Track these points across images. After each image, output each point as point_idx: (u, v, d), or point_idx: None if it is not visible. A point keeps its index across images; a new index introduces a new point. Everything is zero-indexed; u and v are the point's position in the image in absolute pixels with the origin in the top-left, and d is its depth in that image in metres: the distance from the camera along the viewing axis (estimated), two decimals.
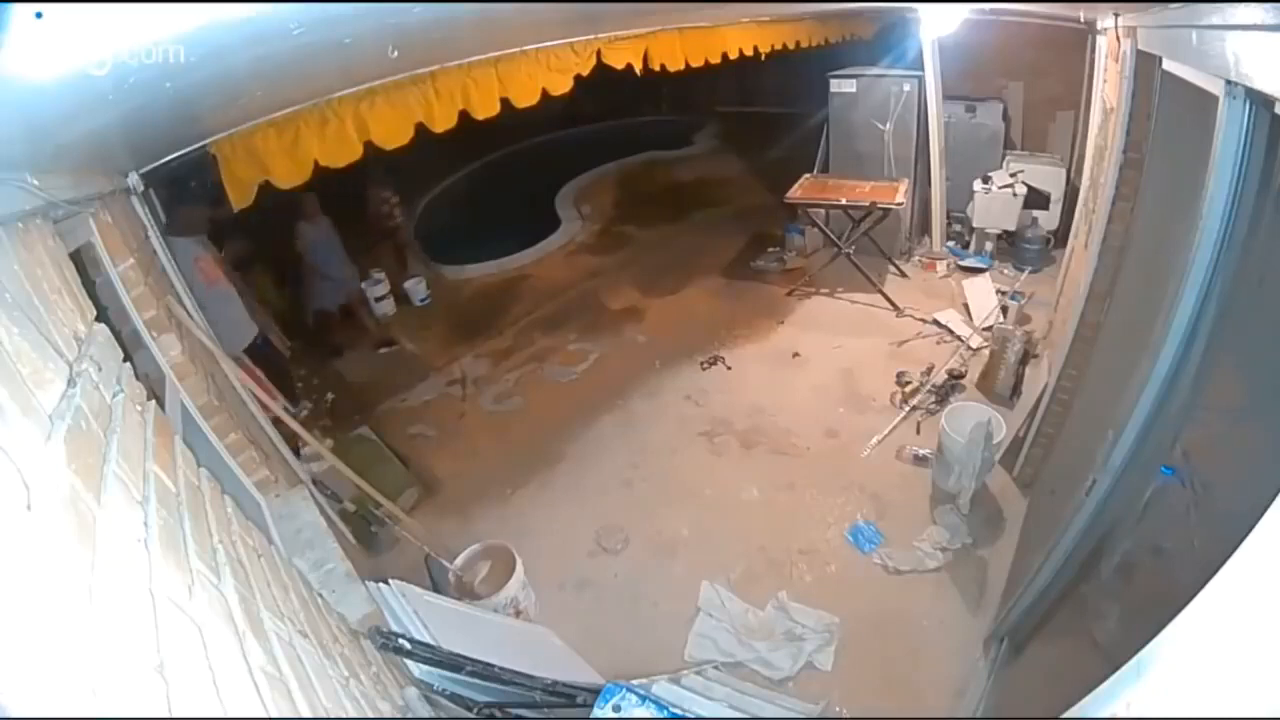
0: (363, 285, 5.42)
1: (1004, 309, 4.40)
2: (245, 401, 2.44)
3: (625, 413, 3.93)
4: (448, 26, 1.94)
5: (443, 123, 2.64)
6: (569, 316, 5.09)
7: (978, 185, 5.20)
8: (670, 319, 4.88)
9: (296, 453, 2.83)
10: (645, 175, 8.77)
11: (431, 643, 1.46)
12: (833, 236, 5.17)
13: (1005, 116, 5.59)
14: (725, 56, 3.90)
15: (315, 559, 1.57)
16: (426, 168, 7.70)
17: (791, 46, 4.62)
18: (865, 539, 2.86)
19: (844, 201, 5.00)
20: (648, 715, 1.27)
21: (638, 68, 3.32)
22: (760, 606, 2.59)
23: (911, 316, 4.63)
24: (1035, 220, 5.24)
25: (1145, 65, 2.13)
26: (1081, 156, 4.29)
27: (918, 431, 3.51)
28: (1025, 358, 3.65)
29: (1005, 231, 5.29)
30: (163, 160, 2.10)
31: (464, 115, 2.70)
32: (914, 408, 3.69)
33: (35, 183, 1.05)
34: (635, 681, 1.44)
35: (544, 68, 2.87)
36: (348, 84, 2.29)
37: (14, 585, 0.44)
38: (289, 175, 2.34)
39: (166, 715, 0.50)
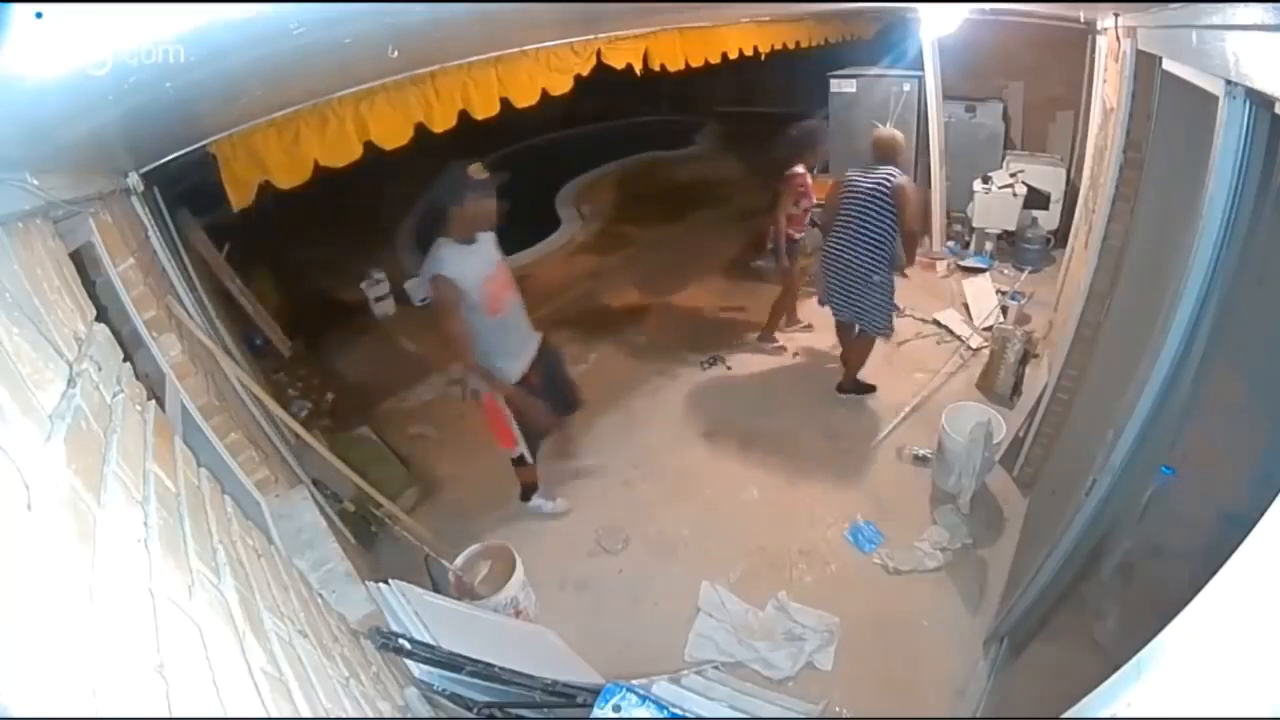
0: (362, 285, 5.42)
1: (1004, 309, 4.39)
2: (245, 401, 2.44)
3: (625, 413, 3.92)
4: (448, 26, 1.94)
5: (442, 123, 2.64)
6: (569, 316, 5.09)
7: (978, 185, 5.19)
8: (670, 319, 4.87)
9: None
10: (645, 175, 8.77)
11: (431, 643, 1.46)
12: None
13: (1005, 116, 5.58)
14: (725, 56, 3.90)
15: (315, 559, 1.57)
16: (426, 167, 7.68)
17: (791, 46, 4.62)
18: (865, 539, 2.86)
19: None
20: (648, 715, 1.27)
21: (638, 68, 3.33)
22: (760, 606, 2.59)
23: (911, 316, 4.63)
24: (1035, 220, 5.23)
25: (1145, 65, 2.13)
26: (1081, 156, 4.30)
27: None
28: (1025, 358, 3.64)
29: (1005, 231, 5.29)
30: (163, 160, 2.10)
31: (464, 115, 2.70)
32: (914, 408, 3.69)
33: (35, 183, 1.05)
34: (635, 681, 1.44)
35: (544, 68, 2.87)
36: (348, 84, 2.29)
37: (14, 585, 0.44)
38: (289, 175, 2.34)
39: (166, 715, 0.50)
